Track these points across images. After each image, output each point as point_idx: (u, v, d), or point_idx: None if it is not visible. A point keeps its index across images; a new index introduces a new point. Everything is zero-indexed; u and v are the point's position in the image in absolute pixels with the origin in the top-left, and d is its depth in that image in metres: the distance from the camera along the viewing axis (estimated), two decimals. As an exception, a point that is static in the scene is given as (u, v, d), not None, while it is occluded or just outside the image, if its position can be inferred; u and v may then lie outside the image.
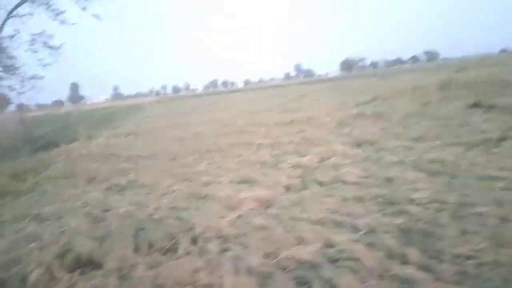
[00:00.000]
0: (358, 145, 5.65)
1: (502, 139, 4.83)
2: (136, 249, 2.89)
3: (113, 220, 3.59)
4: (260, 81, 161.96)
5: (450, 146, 5.03)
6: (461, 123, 6.46)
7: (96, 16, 12.17)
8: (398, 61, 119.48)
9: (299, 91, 24.73)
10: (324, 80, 57.89)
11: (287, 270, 2.29)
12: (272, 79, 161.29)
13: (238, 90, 61.09)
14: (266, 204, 3.50)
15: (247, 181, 4.29)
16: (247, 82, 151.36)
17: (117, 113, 23.74)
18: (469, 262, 2.14)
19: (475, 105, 7.99)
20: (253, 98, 25.02)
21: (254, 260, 2.39)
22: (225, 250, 2.64)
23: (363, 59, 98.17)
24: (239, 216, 3.23)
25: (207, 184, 4.47)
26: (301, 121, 8.81)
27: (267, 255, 2.47)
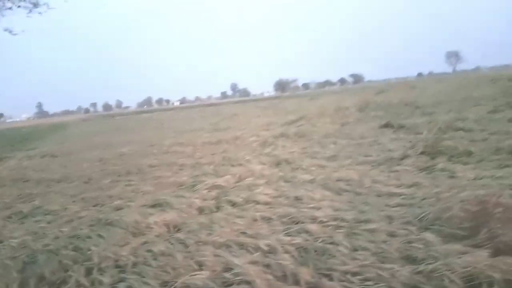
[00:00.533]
0: (277, 164, 5.79)
1: (403, 157, 5.26)
2: (22, 285, 2.63)
3: (4, 253, 3.25)
4: (197, 99, 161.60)
5: (359, 164, 5.36)
6: (372, 142, 6.95)
7: (8, 30, 11.20)
8: (328, 83, 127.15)
9: (233, 110, 25.00)
10: (259, 99, 59.30)
11: (180, 298, 2.23)
12: (209, 97, 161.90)
13: (173, 109, 59.97)
14: (175, 228, 3.41)
15: (160, 205, 4.15)
16: (183, 101, 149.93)
17: (37, 132, 21.98)
18: (355, 278, 2.24)
19: (386, 125, 8.67)
20: (187, 117, 24.78)
21: (147, 290, 2.29)
22: (119, 280, 2.49)
23: (296, 80, 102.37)
24: (144, 243, 3.09)
25: (117, 208, 4.24)
26: (227, 141, 8.85)
27: (163, 284, 2.39)
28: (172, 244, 3.01)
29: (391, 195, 3.83)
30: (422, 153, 5.19)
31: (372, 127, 9.16)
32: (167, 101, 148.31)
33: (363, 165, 5.29)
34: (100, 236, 3.32)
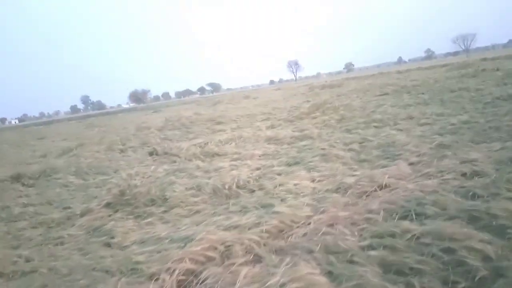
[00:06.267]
0: None
1: (86, 212, 4.09)
2: None
3: None
4: (41, 115, 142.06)
5: (40, 224, 4.06)
6: (102, 182, 5.75)
7: None
8: (188, 92, 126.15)
9: (45, 132, 21.53)
10: (108, 113, 54.67)
11: None
12: (57, 112, 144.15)
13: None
14: None
15: None
16: (23, 118, 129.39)
17: None
18: None
19: (152, 153, 7.66)
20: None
21: None
22: None
23: (149, 91, 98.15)
24: None
25: None
26: None
27: None
28: None
29: None
30: (107, 205, 4.10)
31: (145, 153, 8.05)
32: (3, 120, 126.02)
33: (40, 227, 3.99)
34: None
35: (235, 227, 3.09)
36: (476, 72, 15.14)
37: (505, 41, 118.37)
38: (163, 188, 4.43)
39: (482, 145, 4.42)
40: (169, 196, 4.17)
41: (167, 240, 3.14)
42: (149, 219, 3.73)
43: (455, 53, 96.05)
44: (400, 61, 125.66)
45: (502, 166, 3.50)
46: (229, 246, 2.71)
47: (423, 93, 11.08)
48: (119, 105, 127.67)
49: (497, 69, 14.84)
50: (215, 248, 2.67)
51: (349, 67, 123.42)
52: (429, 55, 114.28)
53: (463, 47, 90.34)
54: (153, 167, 5.60)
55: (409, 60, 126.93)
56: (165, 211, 3.92)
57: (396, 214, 2.78)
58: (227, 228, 3.08)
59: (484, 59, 26.97)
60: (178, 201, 4.09)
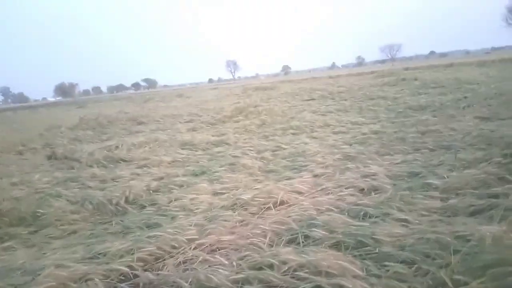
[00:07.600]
0: None
1: None
2: None
3: None
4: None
5: None
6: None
7: None
8: (121, 87, 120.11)
9: None
10: (30, 107, 50.01)
11: None
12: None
13: None
14: None
15: None
16: None
17: None
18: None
19: (50, 157, 6.83)
20: None
21: None
22: None
23: (76, 84, 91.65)
24: None
25: None
26: None
27: None
28: None
29: None
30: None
31: (43, 157, 7.16)
32: None
33: None
34: None
35: (104, 254, 2.63)
36: (397, 80, 16.00)
37: (427, 52, 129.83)
38: (40, 202, 3.80)
39: (385, 157, 4.41)
40: (43, 212, 3.56)
41: (20, 272, 2.59)
42: (10, 243, 3.12)
43: (383, 61, 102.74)
44: (333, 66, 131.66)
45: (398, 182, 3.47)
46: (86, 281, 2.27)
47: (346, 100, 11.36)
48: (44, 99, 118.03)
49: (416, 79, 15.75)
50: (65, 285, 2.21)
51: (286, 70, 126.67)
52: (360, 62, 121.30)
53: (389, 56, 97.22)
54: (37, 175, 4.86)
55: (342, 65, 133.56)
56: (34, 232, 3.32)
57: (283, 238, 2.55)
58: (93, 256, 2.61)
59: (406, 69, 29.05)
60: (54, 219, 3.51)
